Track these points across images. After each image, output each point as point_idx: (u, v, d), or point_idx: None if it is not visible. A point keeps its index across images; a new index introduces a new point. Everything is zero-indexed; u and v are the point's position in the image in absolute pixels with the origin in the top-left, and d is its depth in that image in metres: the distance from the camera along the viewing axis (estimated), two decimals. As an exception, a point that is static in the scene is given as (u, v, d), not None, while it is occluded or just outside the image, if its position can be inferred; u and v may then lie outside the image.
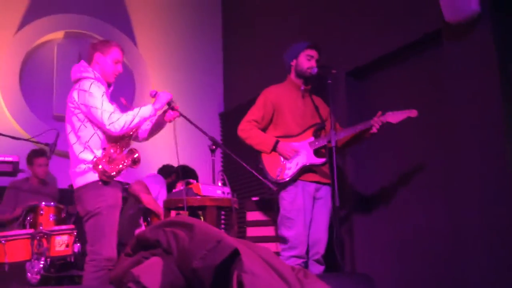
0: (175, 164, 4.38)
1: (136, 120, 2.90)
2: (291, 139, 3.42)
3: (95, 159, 2.86)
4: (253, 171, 3.27)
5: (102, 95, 2.90)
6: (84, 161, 2.87)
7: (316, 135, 3.45)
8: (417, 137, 3.77)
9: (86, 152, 2.88)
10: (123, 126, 2.86)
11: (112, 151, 2.91)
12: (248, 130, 3.48)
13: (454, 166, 3.39)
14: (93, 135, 2.91)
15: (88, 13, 5.34)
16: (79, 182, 2.88)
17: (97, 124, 2.89)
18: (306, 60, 3.53)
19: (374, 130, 3.31)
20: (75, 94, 2.93)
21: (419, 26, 3.63)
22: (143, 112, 2.93)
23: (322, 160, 3.35)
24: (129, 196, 4.17)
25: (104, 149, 2.92)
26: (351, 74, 4.26)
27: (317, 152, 3.39)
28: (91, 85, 2.90)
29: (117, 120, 2.85)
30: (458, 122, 3.36)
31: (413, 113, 3.24)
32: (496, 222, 3.07)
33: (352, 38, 4.21)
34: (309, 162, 3.35)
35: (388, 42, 3.88)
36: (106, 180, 2.85)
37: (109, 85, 3.08)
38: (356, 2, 4.22)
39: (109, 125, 2.84)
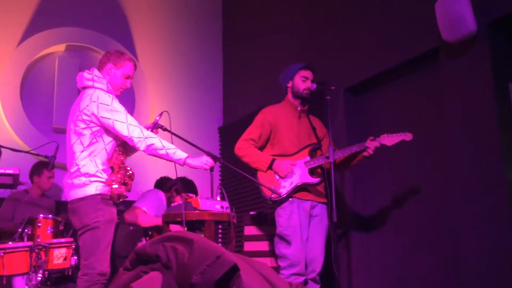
0: (173, 176, 4.42)
1: (162, 152, 2.87)
2: (287, 158, 3.45)
3: (102, 174, 2.86)
4: (258, 181, 3.38)
5: (125, 110, 2.90)
6: (86, 174, 2.83)
7: (312, 154, 3.48)
8: (414, 153, 3.80)
9: (90, 165, 2.85)
10: (149, 146, 2.85)
11: (120, 173, 2.92)
12: (244, 148, 3.52)
13: (451, 182, 3.41)
14: (101, 149, 2.89)
15: (90, 27, 5.39)
16: (77, 194, 2.84)
17: (121, 137, 2.88)
18: (302, 82, 3.58)
19: (367, 153, 3.33)
20: (93, 107, 2.85)
21: (417, 44, 3.68)
22: (175, 154, 2.89)
23: (317, 179, 3.37)
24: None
25: (112, 168, 2.93)
26: (349, 90, 4.30)
27: (312, 172, 3.41)
28: (112, 100, 2.89)
29: (148, 137, 2.85)
30: (455, 139, 3.39)
31: (408, 136, 3.26)
32: (493, 237, 3.08)
33: (351, 55, 4.26)
34: (303, 181, 3.37)
35: (386, 59, 3.93)
36: (116, 201, 2.87)
37: None
38: (356, 20, 4.27)
39: (137, 137, 2.83)
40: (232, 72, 5.97)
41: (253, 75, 5.55)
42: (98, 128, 2.88)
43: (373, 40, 4.06)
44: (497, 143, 3.11)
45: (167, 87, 5.76)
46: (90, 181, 2.83)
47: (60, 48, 5.28)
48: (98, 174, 2.86)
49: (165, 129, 3.17)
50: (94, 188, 2.83)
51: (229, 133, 5.68)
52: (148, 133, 2.90)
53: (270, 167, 3.41)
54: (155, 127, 3.13)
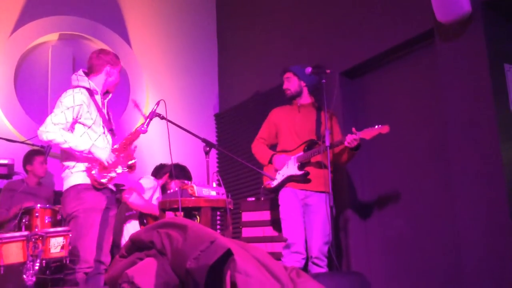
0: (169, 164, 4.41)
1: (65, 146, 2.92)
2: (286, 154, 3.67)
3: (82, 164, 2.96)
4: (253, 167, 3.65)
5: (72, 107, 2.95)
6: (68, 167, 3.01)
7: (306, 150, 3.61)
8: (411, 135, 3.80)
9: (70, 158, 3.01)
10: (50, 141, 2.91)
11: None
12: (255, 146, 3.87)
13: (448, 163, 3.41)
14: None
15: (83, 15, 5.34)
16: (64, 186, 3.05)
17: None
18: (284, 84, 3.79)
19: (347, 143, 3.37)
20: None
21: (412, 26, 3.66)
22: (78, 144, 2.93)
23: (301, 172, 3.55)
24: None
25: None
26: (345, 74, 4.28)
27: (303, 166, 3.57)
28: (70, 93, 2.99)
29: (50, 132, 2.90)
30: (451, 120, 3.38)
31: (385, 129, 3.28)
32: (489, 217, 3.09)
33: (346, 38, 4.23)
34: (290, 174, 3.58)
35: (381, 42, 3.91)
36: (97, 187, 2.95)
37: (105, 93, 3.18)
38: (350, 3, 4.24)
39: (40, 129, 2.92)
40: (227, 59, 5.94)
41: (248, 62, 5.52)
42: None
43: (367, 23, 4.03)
44: (493, 123, 3.10)
45: (162, 75, 5.74)
46: (71, 172, 2.99)
47: (53, 37, 5.24)
48: (78, 164, 2.99)
49: (162, 118, 3.21)
50: (74, 179, 2.98)
51: (225, 119, 5.66)
52: (53, 129, 2.90)
53: (270, 161, 3.71)
54: (153, 116, 3.19)
